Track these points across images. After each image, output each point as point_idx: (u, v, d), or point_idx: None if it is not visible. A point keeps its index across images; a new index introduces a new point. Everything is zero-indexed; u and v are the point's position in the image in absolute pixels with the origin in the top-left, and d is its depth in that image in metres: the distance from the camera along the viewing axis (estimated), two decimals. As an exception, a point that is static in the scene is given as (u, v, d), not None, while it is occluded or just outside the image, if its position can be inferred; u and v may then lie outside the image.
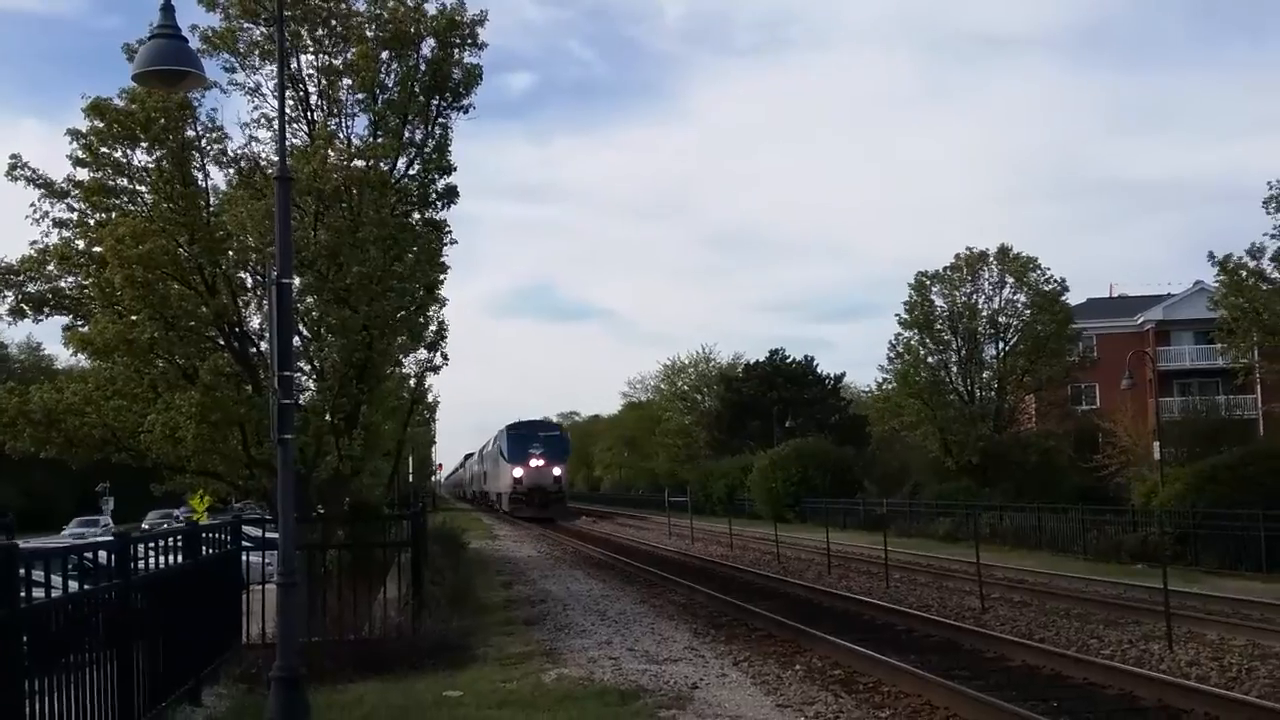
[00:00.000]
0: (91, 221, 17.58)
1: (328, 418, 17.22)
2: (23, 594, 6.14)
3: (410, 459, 46.34)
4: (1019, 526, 29.98)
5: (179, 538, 9.79)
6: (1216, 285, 36.22)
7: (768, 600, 16.19)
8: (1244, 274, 34.35)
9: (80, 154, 17.17)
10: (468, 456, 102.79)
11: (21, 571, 6.13)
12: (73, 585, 7.66)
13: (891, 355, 46.45)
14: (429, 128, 19.00)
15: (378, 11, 18.36)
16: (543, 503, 55.10)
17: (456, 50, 18.79)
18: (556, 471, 56.32)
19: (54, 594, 6.91)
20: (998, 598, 17.19)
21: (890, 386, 47.39)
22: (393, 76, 18.64)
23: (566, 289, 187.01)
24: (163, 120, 16.84)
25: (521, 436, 57.53)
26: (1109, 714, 9.04)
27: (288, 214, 10.12)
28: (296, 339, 16.70)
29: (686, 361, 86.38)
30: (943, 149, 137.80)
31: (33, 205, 17.32)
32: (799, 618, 14.20)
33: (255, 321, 17.52)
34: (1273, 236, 33.14)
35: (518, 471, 55.94)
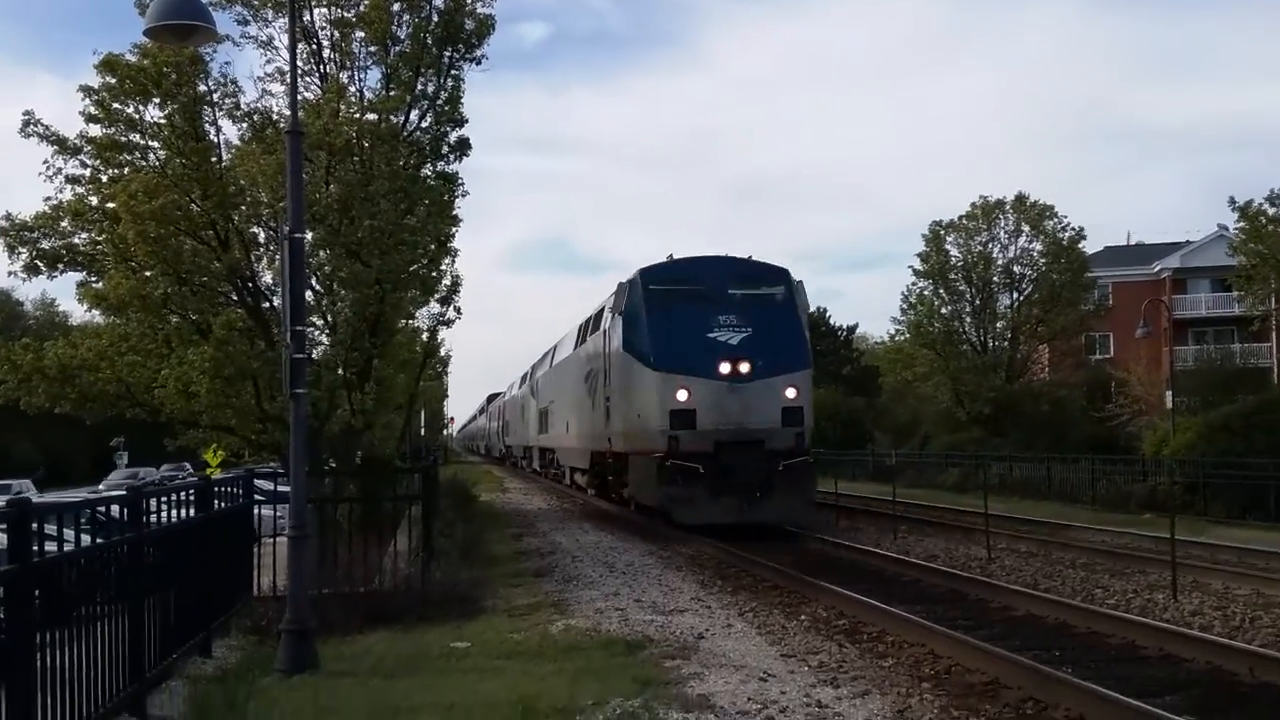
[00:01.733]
0: (104, 178, 17.69)
1: (340, 372, 17.38)
2: (36, 548, 6.26)
3: (422, 413, 46.58)
4: (1028, 477, 30.04)
5: (191, 491, 9.91)
6: (1236, 232, 35.93)
7: (773, 552, 16.30)
8: (1264, 220, 34.07)
9: (93, 110, 17.25)
10: (491, 398, 78.19)
11: (35, 526, 6.24)
12: (86, 539, 7.79)
13: (904, 306, 46.29)
14: (441, 79, 18.98)
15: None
16: (755, 480, 19.07)
17: (469, 0, 18.70)
18: (791, 393, 20.01)
19: (67, 548, 7.02)
20: (1004, 548, 17.29)
21: (903, 337, 47.24)
22: (405, 28, 18.62)
23: (582, 242, 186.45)
24: (174, 75, 16.88)
25: (688, 296, 20.42)
26: (1111, 662, 9.11)
27: (299, 168, 10.17)
28: (309, 293, 16.81)
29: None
30: (965, 97, 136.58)
31: (46, 162, 17.44)
32: (805, 569, 14.32)
33: (268, 277, 17.67)
34: (1294, 182, 32.80)
35: (682, 393, 19.41)
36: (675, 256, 21.33)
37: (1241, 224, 34.81)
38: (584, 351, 25.71)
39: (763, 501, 18.43)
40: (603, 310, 23.22)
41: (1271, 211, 33.90)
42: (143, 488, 8.56)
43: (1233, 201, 34.64)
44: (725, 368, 18.81)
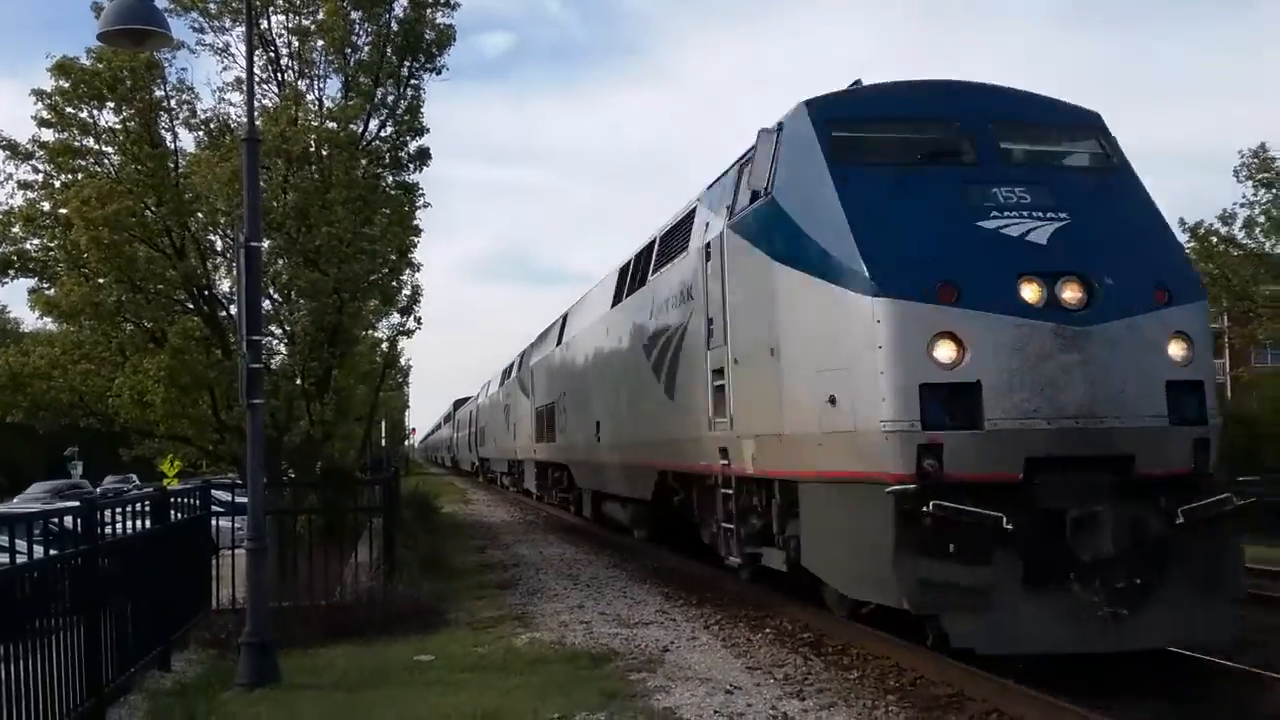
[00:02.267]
0: (57, 183, 17.40)
1: (299, 382, 17.18)
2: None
3: (383, 423, 46.25)
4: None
5: (147, 503, 9.74)
6: (1188, 252, 36.54)
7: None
8: (1214, 240, 34.68)
9: (45, 114, 16.95)
10: (459, 404, 68.48)
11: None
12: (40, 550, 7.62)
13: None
14: (401, 89, 18.85)
15: (348, -30, 18.12)
16: (1121, 550, 8.10)
17: (429, 10, 18.62)
18: (1178, 350, 8.66)
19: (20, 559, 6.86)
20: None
21: None
22: (364, 36, 18.47)
23: (543, 253, 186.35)
24: (130, 80, 16.63)
25: (920, 150, 10.05)
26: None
27: (256, 176, 10.05)
28: (266, 302, 16.61)
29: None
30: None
31: (-4, 167, 17.08)
32: (770, 581, 14.28)
33: (225, 285, 17.46)
34: (1243, 205, 33.50)
35: (946, 348, 8.30)
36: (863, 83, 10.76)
37: (1192, 244, 35.39)
38: (641, 302, 15.36)
39: (1142, 601, 8.13)
40: (690, 216, 13.41)
41: (1223, 231, 34.52)
42: (88, 500, 8.39)
43: (1183, 222, 35.25)
44: (1031, 292, 8.49)
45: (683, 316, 13.09)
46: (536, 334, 29.18)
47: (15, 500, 40.31)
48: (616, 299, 17.34)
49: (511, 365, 34.77)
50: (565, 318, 23.70)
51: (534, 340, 29.17)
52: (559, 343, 23.31)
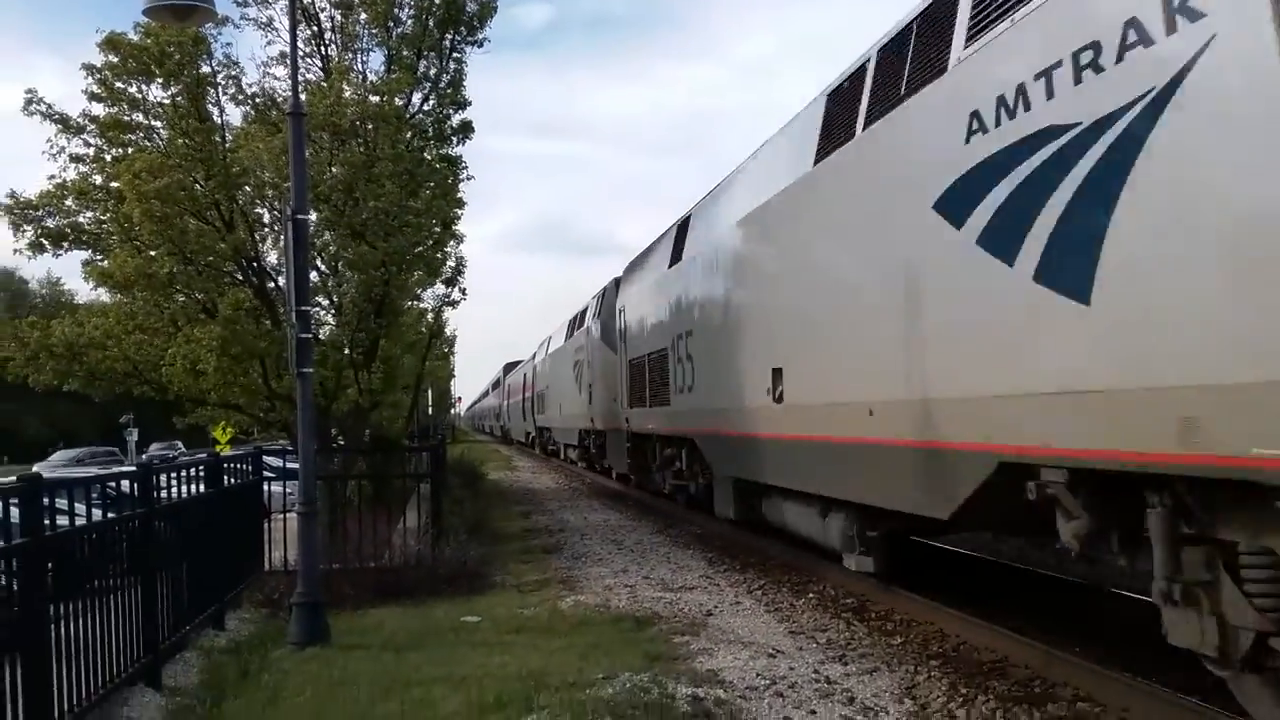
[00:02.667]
0: (108, 157, 17.66)
1: (347, 352, 17.39)
2: (49, 522, 6.31)
3: (429, 392, 46.63)
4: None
5: (202, 468, 9.96)
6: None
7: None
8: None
9: (95, 89, 17.19)
10: (510, 368, 63.46)
11: (47, 501, 6.29)
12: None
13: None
14: (443, 62, 18.91)
15: (390, -58, 18.17)
16: None
17: (470, -18, 18.61)
18: None
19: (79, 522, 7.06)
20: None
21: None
22: (406, 10, 18.52)
23: (584, 224, 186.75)
24: (177, 55, 16.81)
25: None
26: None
27: (302, 149, 10.18)
28: (314, 274, 16.82)
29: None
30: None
31: (49, 140, 17.40)
32: (814, 546, 14.31)
33: (273, 257, 17.66)
34: None
35: None
36: None
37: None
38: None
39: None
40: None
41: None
42: (144, 465, 8.59)
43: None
44: None
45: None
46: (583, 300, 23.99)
47: (35, 467, 41.08)
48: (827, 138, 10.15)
49: (583, 311, 28.65)
50: (686, 223, 16.70)
51: (620, 274, 23.01)
52: (674, 261, 16.63)
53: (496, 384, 76.62)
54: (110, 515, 7.88)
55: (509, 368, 61.39)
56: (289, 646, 8.93)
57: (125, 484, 8.13)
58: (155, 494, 8.23)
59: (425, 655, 8.53)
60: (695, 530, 16.89)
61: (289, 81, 10.88)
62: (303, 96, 13.15)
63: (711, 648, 8.78)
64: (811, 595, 11.24)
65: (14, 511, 6.05)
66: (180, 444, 51.81)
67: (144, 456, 41.98)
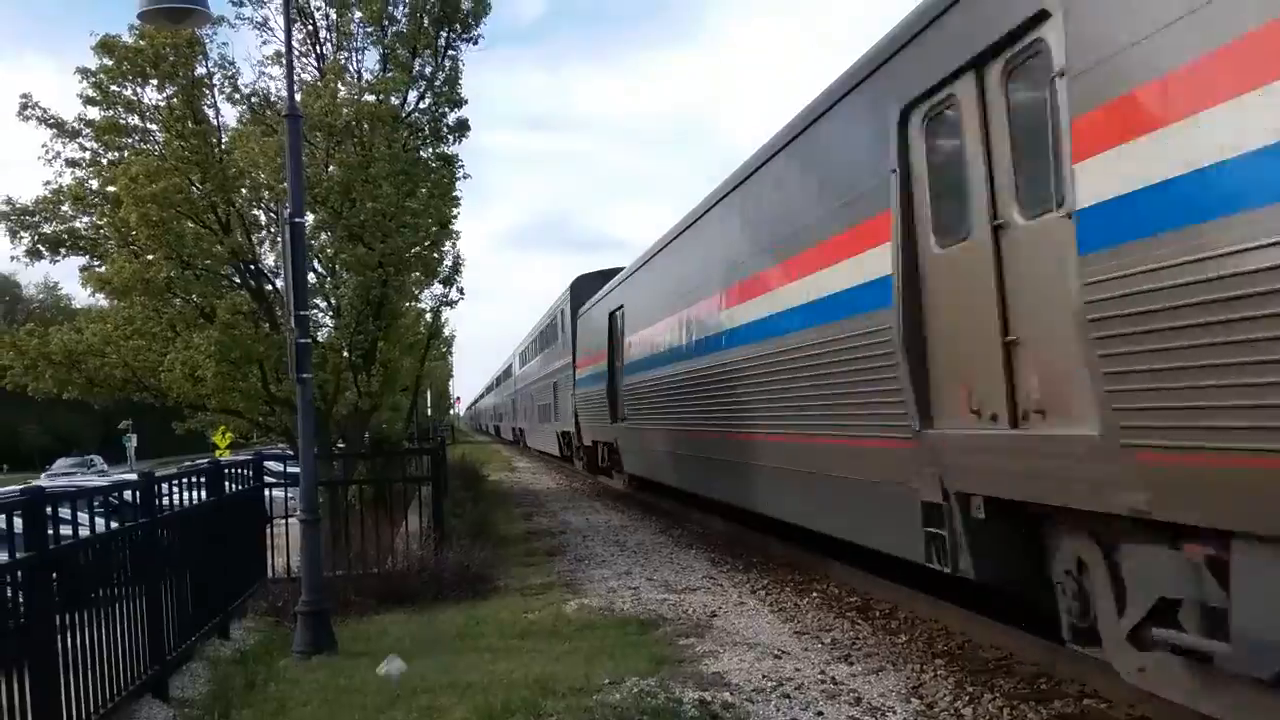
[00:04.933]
0: (104, 161, 17.60)
1: (345, 354, 17.35)
2: (54, 531, 6.30)
3: (428, 393, 46.59)
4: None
5: (203, 476, 9.94)
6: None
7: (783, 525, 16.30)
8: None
9: (90, 93, 17.13)
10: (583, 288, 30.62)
11: (50, 512, 6.27)
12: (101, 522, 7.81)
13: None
14: (439, 60, 18.86)
15: (384, -59, 18.12)
16: None
17: (466, -21, 18.56)
18: None
19: (83, 532, 7.04)
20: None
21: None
22: (401, 8, 18.48)
23: (581, 220, 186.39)
24: (172, 57, 16.75)
25: None
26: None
27: (299, 151, 10.13)
28: (312, 276, 16.76)
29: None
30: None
31: (44, 146, 17.34)
32: (816, 545, 14.31)
33: (270, 259, 17.63)
34: None
35: None
36: None
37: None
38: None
39: None
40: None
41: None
42: (146, 474, 8.57)
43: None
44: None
45: None
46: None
47: (41, 478, 40.52)
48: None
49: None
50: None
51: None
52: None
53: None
54: (113, 525, 7.87)
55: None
56: (294, 655, 8.91)
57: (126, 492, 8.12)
58: (158, 503, 8.21)
59: (431, 661, 8.52)
60: (697, 530, 16.89)
61: (284, 81, 10.85)
62: (299, 97, 13.14)
63: (717, 650, 8.77)
64: (815, 594, 11.23)
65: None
66: (98, 458, 49.97)
67: (44, 476, 38.93)
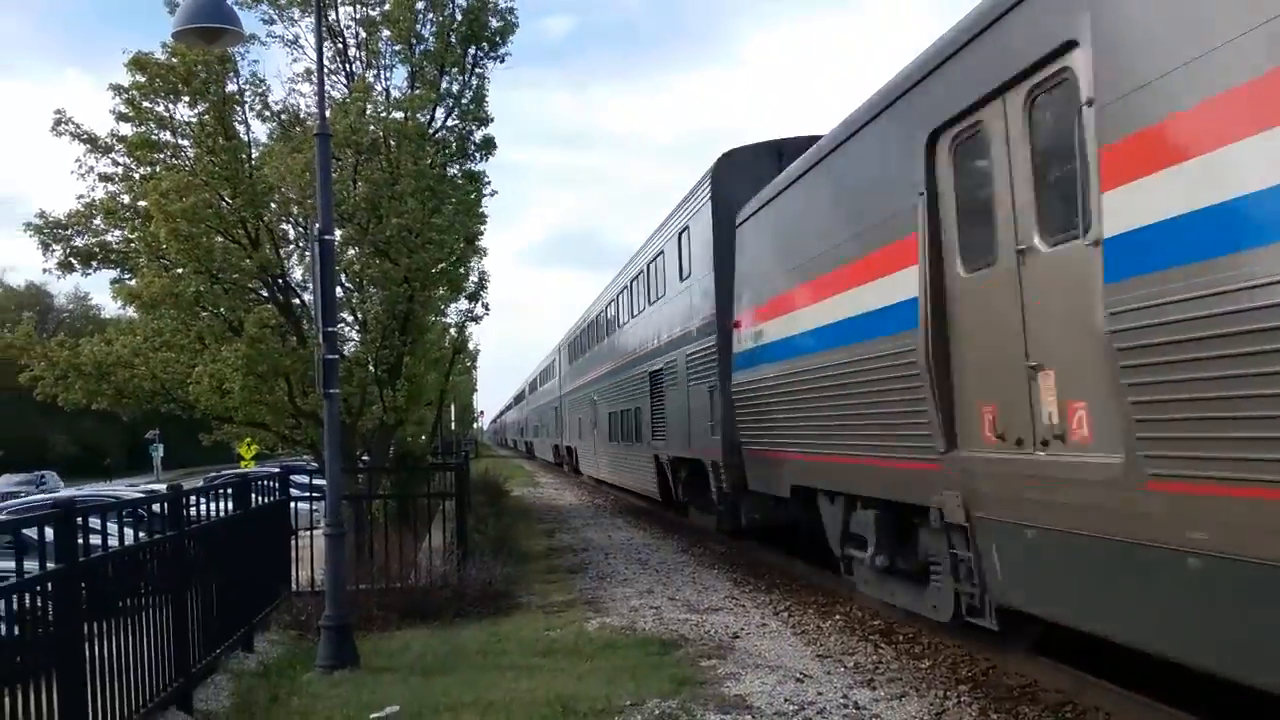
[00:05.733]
0: (136, 176, 17.80)
1: (371, 369, 17.44)
2: (84, 541, 6.37)
3: (452, 407, 46.74)
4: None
5: (229, 488, 10.01)
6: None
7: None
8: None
9: (123, 109, 17.34)
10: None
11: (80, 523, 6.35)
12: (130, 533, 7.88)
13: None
14: (466, 78, 19.02)
15: (414, -39, 18.30)
16: None
17: (492, -1, 18.72)
18: None
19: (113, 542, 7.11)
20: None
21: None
22: (429, 27, 18.64)
23: (608, 236, 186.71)
24: (204, 74, 16.94)
25: None
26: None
27: (328, 169, 10.24)
28: (339, 291, 16.87)
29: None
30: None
31: (78, 160, 17.57)
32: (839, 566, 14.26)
33: (298, 273, 17.75)
34: None
35: None
36: None
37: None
38: None
39: None
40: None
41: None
42: (174, 487, 8.65)
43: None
44: None
45: None
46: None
47: None
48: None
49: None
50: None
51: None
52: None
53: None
54: (142, 536, 7.94)
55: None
56: (318, 669, 8.95)
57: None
58: (186, 514, 8.28)
59: (454, 679, 8.54)
60: (720, 549, 16.85)
61: (314, 98, 10.96)
62: (328, 114, 13.25)
63: (739, 671, 8.75)
64: (838, 617, 11.19)
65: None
66: (51, 474, 48.81)
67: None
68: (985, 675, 8.65)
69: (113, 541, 7.13)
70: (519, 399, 79.04)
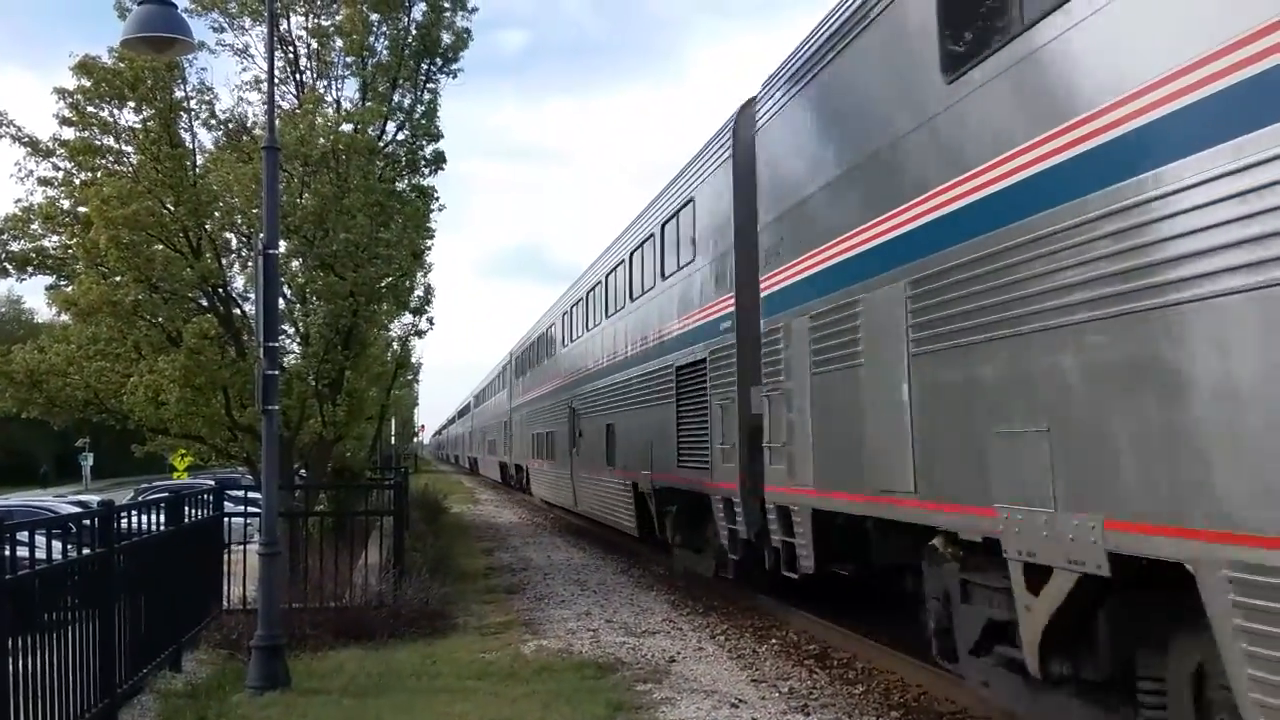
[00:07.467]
0: (77, 181, 17.47)
1: (312, 383, 17.24)
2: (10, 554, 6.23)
3: (393, 421, 46.31)
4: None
5: (162, 503, 9.85)
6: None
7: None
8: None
9: (67, 113, 17.03)
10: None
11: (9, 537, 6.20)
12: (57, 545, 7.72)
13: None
14: (418, 93, 18.93)
15: (367, -28, 18.21)
16: None
17: (446, 13, 18.70)
18: None
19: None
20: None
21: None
22: (382, 40, 18.55)
23: (556, 251, 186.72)
24: (151, 80, 16.71)
25: None
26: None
27: (276, 182, 10.14)
28: (281, 303, 16.67)
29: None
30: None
31: (17, 164, 17.19)
32: (776, 591, 14.33)
33: (239, 282, 17.51)
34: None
35: None
36: None
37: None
38: None
39: None
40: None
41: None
42: (105, 503, 8.49)
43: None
44: None
45: None
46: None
47: None
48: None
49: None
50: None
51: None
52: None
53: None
54: (69, 550, 7.78)
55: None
56: (248, 690, 8.81)
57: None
58: (116, 529, 8.13)
59: (387, 701, 8.46)
60: (659, 571, 16.87)
61: (262, 106, 10.87)
62: (277, 124, 13.12)
63: (674, 697, 8.77)
64: (774, 641, 11.26)
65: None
66: None
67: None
68: (917, 701, 8.76)
69: (40, 554, 6.97)
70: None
